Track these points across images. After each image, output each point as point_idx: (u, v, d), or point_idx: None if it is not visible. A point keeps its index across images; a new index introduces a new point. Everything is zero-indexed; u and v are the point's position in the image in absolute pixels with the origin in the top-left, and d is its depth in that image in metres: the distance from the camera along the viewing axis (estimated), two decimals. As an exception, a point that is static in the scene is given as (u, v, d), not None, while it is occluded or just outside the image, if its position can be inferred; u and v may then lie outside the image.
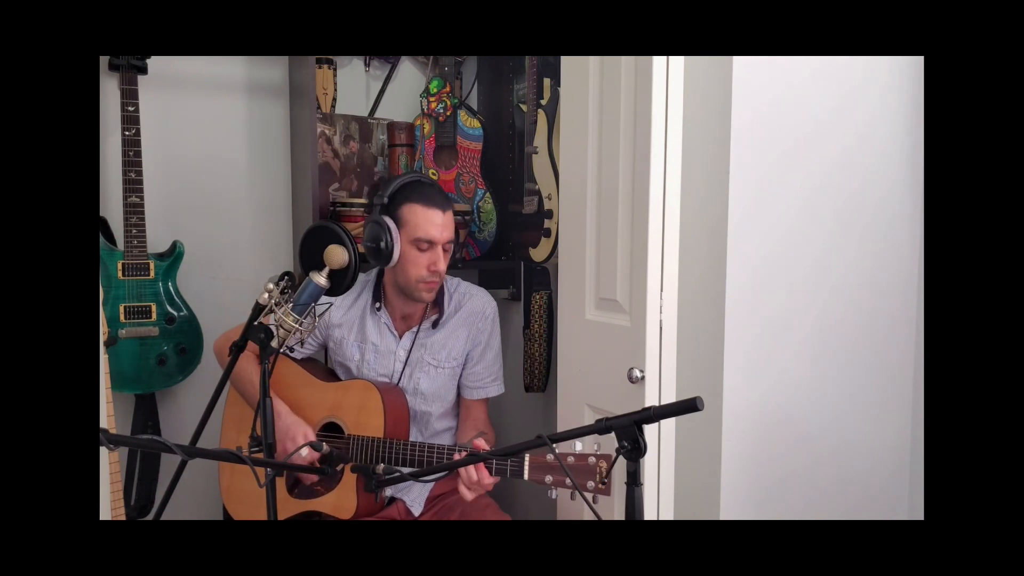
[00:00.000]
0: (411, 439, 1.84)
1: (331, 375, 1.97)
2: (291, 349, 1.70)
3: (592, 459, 1.35)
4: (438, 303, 1.91)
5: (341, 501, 1.76)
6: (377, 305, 1.91)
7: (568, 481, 1.37)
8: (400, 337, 1.90)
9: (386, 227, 1.78)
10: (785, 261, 1.60)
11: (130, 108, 2.16)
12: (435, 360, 1.89)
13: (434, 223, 1.79)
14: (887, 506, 1.76)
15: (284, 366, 1.91)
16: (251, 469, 1.19)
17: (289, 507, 1.81)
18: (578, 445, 1.37)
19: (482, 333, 1.92)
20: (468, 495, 1.52)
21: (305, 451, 1.68)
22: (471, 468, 1.49)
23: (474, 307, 1.92)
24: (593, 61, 1.69)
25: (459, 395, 1.96)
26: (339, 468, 1.74)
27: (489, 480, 1.49)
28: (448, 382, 1.91)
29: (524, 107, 2.29)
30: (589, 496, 1.33)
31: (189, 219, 2.41)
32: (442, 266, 1.81)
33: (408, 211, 1.80)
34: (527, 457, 1.44)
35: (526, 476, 1.43)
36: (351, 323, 1.93)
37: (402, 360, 1.89)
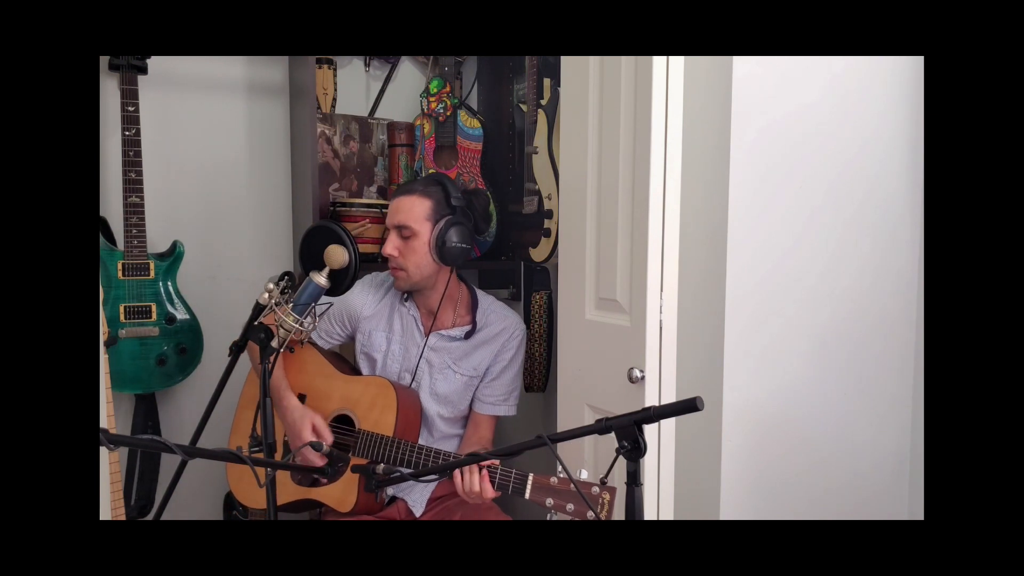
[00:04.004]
0: (419, 443, 1.84)
1: (353, 370, 1.98)
2: (297, 345, 1.71)
3: (596, 489, 1.34)
4: (472, 315, 1.94)
5: (342, 494, 1.76)
6: (405, 296, 1.94)
7: (569, 507, 1.35)
8: (426, 334, 1.91)
9: None
10: (785, 261, 1.60)
11: (130, 108, 2.16)
12: (457, 367, 1.91)
13: (390, 211, 1.88)
14: (887, 506, 1.76)
15: (309, 354, 1.94)
16: (251, 469, 1.19)
17: (290, 492, 1.81)
18: (584, 473, 1.37)
19: (507, 351, 1.93)
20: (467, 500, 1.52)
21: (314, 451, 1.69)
22: (470, 477, 1.49)
23: (503, 327, 1.94)
24: (593, 61, 1.69)
25: (471, 407, 1.97)
26: (340, 466, 1.75)
27: (490, 492, 1.48)
28: (464, 390, 1.92)
29: (524, 107, 2.29)
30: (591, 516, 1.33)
31: (189, 219, 2.41)
32: (390, 249, 1.84)
33: None
34: (530, 476, 1.43)
35: (527, 495, 1.42)
36: (380, 315, 1.96)
37: (425, 357, 1.90)
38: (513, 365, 1.94)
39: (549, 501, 1.38)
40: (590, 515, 1.33)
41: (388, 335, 1.94)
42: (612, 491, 1.33)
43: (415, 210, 1.83)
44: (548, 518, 1.39)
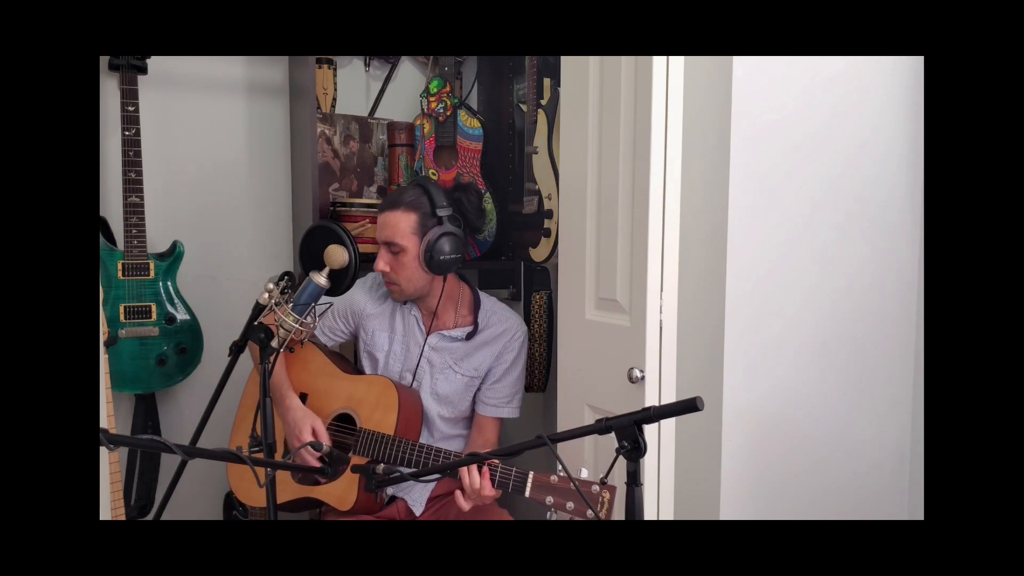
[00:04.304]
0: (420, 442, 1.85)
1: (355, 370, 1.99)
2: (297, 345, 1.72)
3: (596, 487, 1.34)
4: (474, 316, 1.93)
5: (342, 493, 1.76)
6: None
7: (569, 505, 1.35)
8: (428, 334, 1.91)
9: None
10: (785, 261, 1.60)
11: (130, 108, 2.16)
12: (458, 367, 1.91)
13: (378, 227, 1.87)
14: (887, 506, 1.76)
15: (312, 354, 1.95)
16: (251, 469, 1.19)
17: (291, 491, 1.82)
18: (584, 472, 1.37)
19: (508, 352, 1.92)
20: (465, 505, 1.51)
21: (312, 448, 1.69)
22: (472, 475, 1.49)
23: (504, 328, 1.93)
24: (593, 61, 1.69)
25: (474, 409, 1.97)
26: (340, 468, 1.75)
27: (489, 491, 1.48)
28: (464, 391, 1.92)
29: (524, 107, 2.29)
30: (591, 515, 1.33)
31: (189, 219, 2.41)
32: (381, 265, 1.84)
33: None
34: (531, 475, 1.43)
35: (527, 493, 1.42)
36: (382, 314, 1.96)
37: (427, 356, 1.90)
38: (515, 367, 1.94)
39: (549, 499, 1.39)
40: (590, 514, 1.33)
41: (390, 335, 1.94)
42: (612, 490, 1.33)
43: (400, 226, 1.81)
44: (548, 517, 1.39)
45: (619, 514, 1.27)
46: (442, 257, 1.81)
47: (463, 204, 1.90)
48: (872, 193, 1.68)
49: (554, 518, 1.39)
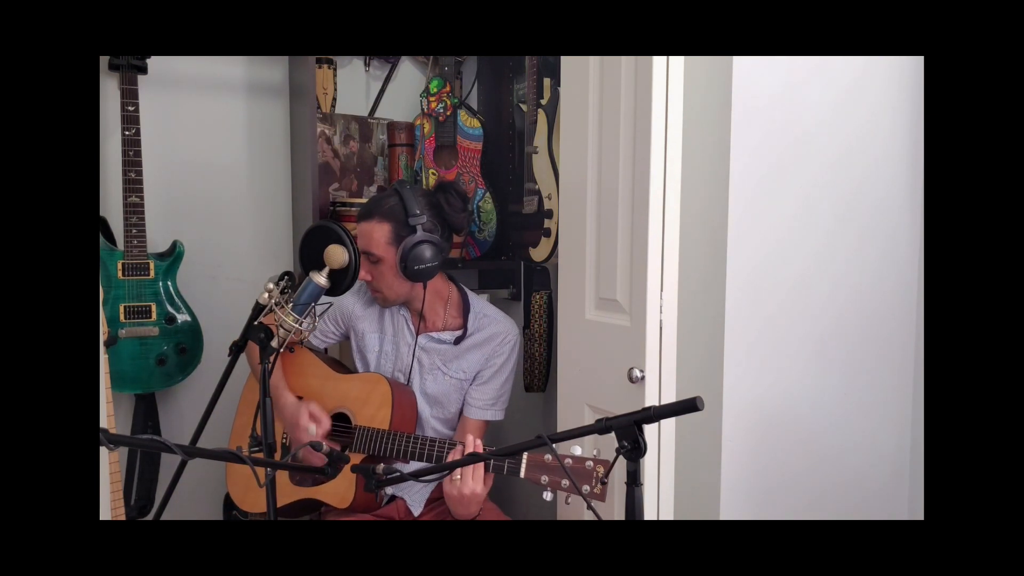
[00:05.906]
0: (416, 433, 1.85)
1: (347, 370, 1.99)
2: (294, 346, 1.71)
3: (590, 463, 1.35)
4: (464, 319, 1.92)
5: (342, 492, 1.77)
6: None
7: (564, 483, 1.36)
8: (417, 335, 1.91)
9: None
10: (785, 261, 1.60)
11: (130, 108, 2.16)
12: (447, 368, 1.90)
13: (357, 235, 1.83)
14: (887, 506, 1.76)
15: (303, 355, 1.95)
16: (251, 469, 1.19)
17: (289, 493, 1.82)
18: (577, 449, 1.37)
19: (498, 356, 1.90)
20: (452, 489, 1.53)
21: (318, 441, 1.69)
22: (467, 477, 1.49)
23: (495, 331, 1.91)
24: (593, 61, 1.69)
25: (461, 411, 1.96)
26: (339, 466, 1.75)
27: (482, 487, 1.49)
28: (454, 392, 1.91)
29: (524, 107, 2.29)
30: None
31: (189, 219, 2.41)
32: (364, 274, 1.82)
33: None
34: (525, 455, 1.43)
35: (522, 474, 1.43)
36: (372, 316, 1.96)
37: (416, 357, 1.90)
38: (504, 370, 1.91)
39: (544, 479, 1.39)
40: (585, 489, 1.33)
41: (380, 335, 1.94)
42: (605, 463, 1.33)
43: (374, 236, 1.80)
44: (544, 496, 1.39)
45: (619, 514, 1.27)
46: (418, 267, 1.78)
47: (442, 207, 1.84)
48: (872, 193, 1.68)
49: (550, 497, 1.39)
